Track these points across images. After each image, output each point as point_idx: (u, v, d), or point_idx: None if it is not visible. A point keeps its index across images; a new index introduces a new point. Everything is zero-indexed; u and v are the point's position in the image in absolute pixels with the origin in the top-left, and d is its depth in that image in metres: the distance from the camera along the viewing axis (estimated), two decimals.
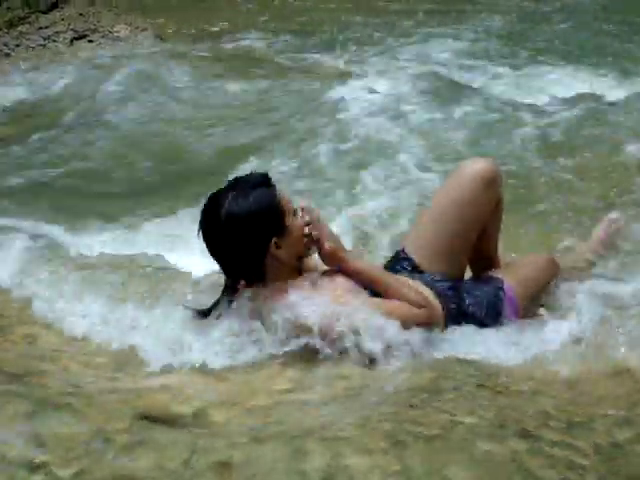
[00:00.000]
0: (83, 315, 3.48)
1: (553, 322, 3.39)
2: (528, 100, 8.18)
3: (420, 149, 6.64)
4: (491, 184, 3.74)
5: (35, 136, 7.91)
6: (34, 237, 4.72)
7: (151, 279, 3.84)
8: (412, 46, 10.58)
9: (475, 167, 3.75)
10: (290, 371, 3.16)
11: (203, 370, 3.18)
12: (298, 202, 3.53)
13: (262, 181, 3.39)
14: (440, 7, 13.28)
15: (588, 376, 2.90)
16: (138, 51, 10.00)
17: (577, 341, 3.18)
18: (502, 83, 9.17)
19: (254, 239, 3.31)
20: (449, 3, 13.39)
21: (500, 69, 9.68)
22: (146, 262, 4.05)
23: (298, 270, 3.53)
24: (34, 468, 2.42)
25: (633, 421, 2.56)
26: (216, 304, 3.38)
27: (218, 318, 3.32)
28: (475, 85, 8.91)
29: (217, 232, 3.28)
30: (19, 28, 10.53)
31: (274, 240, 3.37)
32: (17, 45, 10.32)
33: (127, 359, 3.25)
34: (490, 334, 3.39)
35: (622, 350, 3.06)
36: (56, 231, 5.25)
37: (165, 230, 5.09)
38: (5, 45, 10.26)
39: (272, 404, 2.91)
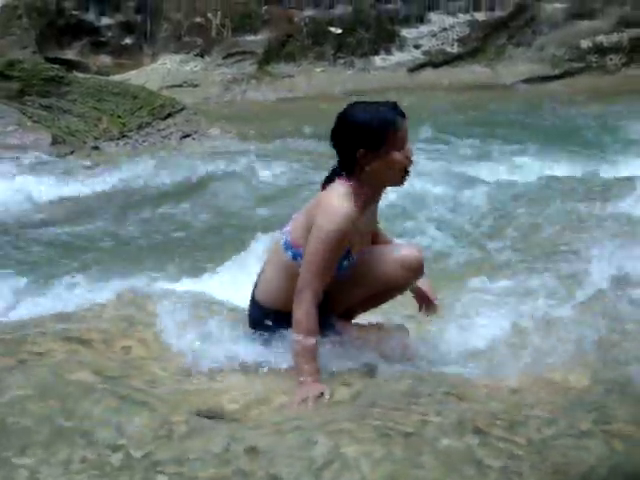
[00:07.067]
0: (167, 334, 3.27)
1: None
2: None
3: None
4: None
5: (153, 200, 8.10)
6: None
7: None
8: None
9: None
10: None
11: (247, 375, 3.02)
12: None
13: (388, 104, 3.04)
14: None
15: (526, 385, 2.80)
16: (224, 146, 10.11)
17: (518, 356, 3.01)
18: None
19: (346, 141, 3.02)
20: None
21: None
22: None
23: (379, 192, 3.12)
24: (115, 448, 2.38)
25: (556, 422, 2.47)
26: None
27: None
28: None
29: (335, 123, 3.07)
30: (145, 130, 10.77)
31: (361, 150, 2.97)
32: (144, 141, 10.56)
33: (194, 366, 3.08)
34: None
35: (551, 364, 2.94)
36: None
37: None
38: (136, 141, 10.57)
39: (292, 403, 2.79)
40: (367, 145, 2.98)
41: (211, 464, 2.27)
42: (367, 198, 3.07)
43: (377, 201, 3.21)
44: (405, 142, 3.03)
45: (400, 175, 3.07)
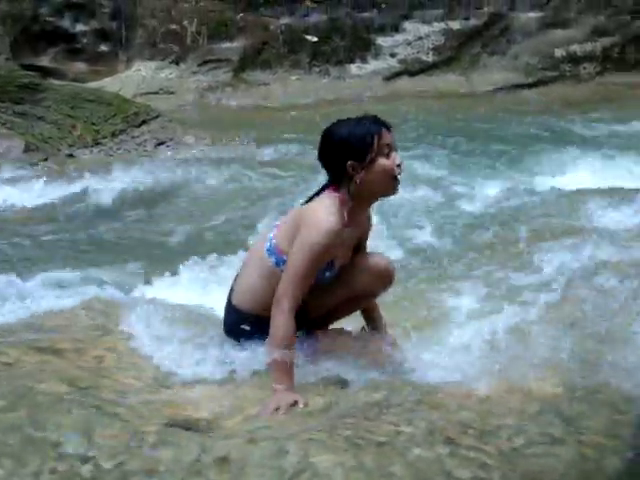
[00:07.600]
0: (139, 343, 3.26)
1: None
2: None
3: None
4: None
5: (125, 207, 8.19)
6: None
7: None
8: None
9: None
10: None
11: (221, 384, 3.02)
12: None
13: (369, 118, 3.12)
14: None
15: (498, 393, 2.77)
16: (198, 153, 10.13)
17: (490, 364, 3.01)
18: None
19: (333, 156, 3.09)
20: None
21: None
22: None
23: (368, 204, 3.21)
24: (85, 459, 2.34)
25: (527, 430, 2.47)
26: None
27: None
28: None
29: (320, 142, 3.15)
30: (120, 137, 10.76)
31: (350, 163, 3.04)
32: (118, 149, 10.52)
33: (167, 375, 3.09)
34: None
35: (524, 372, 2.91)
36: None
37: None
38: (110, 148, 10.57)
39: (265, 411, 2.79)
40: (354, 156, 3.03)
41: (181, 475, 2.25)
42: (354, 210, 3.10)
43: (365, 214, 3.25)
44: (391, 150, 3.08)
45: (391, 184, 3.11)
